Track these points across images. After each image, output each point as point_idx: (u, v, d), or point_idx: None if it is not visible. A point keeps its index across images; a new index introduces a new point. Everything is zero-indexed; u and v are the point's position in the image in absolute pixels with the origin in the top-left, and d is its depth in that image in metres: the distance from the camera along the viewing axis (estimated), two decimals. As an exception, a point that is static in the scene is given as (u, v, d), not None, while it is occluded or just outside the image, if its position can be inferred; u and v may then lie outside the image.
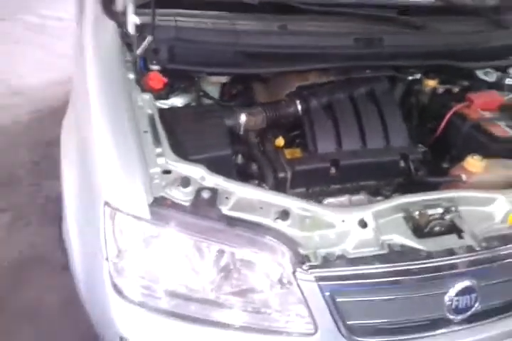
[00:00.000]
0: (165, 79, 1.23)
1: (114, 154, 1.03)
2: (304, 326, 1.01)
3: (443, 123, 1.35)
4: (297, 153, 1.30)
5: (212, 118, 1.22)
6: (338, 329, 1.00)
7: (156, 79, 1.23)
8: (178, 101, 1.32)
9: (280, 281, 1.00)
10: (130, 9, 1.19)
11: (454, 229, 1.06)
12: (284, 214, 1.01)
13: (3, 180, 2.49)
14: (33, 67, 3.71)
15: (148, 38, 1.19)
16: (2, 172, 2.54)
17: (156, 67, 1.24)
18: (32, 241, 2.10)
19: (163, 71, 1.24)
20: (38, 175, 2.54)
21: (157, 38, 1.19)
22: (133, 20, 1.21)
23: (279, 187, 1.21)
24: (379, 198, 1.24)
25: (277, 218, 1.01)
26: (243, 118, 1.27)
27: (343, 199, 1.21)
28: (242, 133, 1.27)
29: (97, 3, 1.32)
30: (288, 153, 1.29)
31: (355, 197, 1.22)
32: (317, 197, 1.22)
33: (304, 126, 1.31)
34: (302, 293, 0.98)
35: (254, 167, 1.24)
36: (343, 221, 1.02)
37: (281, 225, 1.01)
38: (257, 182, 1.20)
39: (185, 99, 1.33)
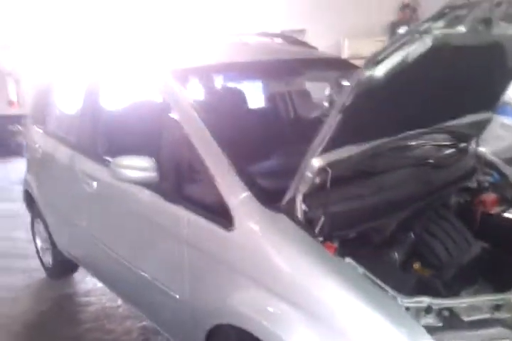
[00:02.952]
0: (335, 245, 1.60)
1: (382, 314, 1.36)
2: None
3: None
4: (425, 271, 1.75)
5: (385, 261, 1.64)
6: None
7: (329, 247, 1.58)
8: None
9: None
10: (299, 199, 1.57)
11: None
12: (496, 308, 1.44)
13: None
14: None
15: (322, 220, 1.57)
16: None
17: (320, 239, 1.60)
18: None
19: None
20: None
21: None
22: (302, 208, 1.59)
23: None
24: None
25: (494, 311, 1.44)
26: (398, 257, 1.70)
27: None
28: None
29: (252, 203, 1.64)
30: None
31: None
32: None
33: (421, 250, 1.79)
34: None
35: None
36: None
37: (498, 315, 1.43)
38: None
39: None
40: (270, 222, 1.61)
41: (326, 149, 1.52)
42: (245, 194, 1.67)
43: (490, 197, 2.10)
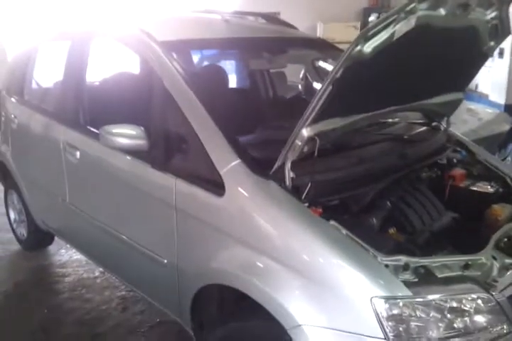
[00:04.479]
0: (320, 210, 1.71)
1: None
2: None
3: None
4: (400, 236, 1.89)
5: (365, 226, 1.78)
6: None
7: (314, 211, 1.69)
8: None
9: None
10: (288, 166, 1.66)
11: None
12: (466, 266, 1.59)
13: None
14: None
15: (309, 186, 1.68)
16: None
17: (306, 204, 1.71)
18: None
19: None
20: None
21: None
22: (290, 175, 1.68)
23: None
24: None
25: (464, 269, 1.59)
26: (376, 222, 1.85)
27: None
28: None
29: (242, 170, 1.72)
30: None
31: None
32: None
33: (396, 217, 1.92)
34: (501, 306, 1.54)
35: None
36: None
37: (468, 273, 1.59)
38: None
39: None
40: (260, 188, 1.71)
41: (315, 120, 1.62)
42: (236, 161, 1.75)
43: (459, 172, 2.25)
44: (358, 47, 1.50)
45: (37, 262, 3.34)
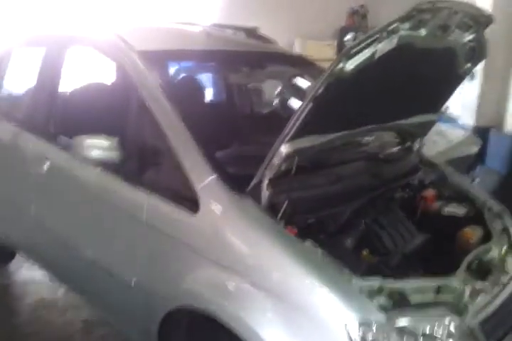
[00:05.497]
0: (295, 230, 1.67)
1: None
2: None
3: None
4: (372, 258, 1.86)
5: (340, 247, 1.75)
6: None
7: (290, 231, 1.65)
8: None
9: None
10: (265, 184, 1.63)
11: None
12: (438, 290, 1.58)
13: None
14: None
15: (285, 204, 1.64)
16: None
17: (282, 223, 1.67)
18: None
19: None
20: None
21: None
22: (267, 194, 1.64)
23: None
24: None
25: (437, 293, 1.57)
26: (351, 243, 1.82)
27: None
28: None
29: (218, 186, 1.67)
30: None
31: None
32: None
33: (370, 238, 1.90)
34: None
35: None
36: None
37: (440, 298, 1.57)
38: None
39: None
40: (235, 205, 1.66)
41: (294, 137, 1.59)
42: (212, 177, 1.71)
43: (430, 193, 2.25)
44: (340, 65, 1.49)
45: (-5, 280, 3.16)
